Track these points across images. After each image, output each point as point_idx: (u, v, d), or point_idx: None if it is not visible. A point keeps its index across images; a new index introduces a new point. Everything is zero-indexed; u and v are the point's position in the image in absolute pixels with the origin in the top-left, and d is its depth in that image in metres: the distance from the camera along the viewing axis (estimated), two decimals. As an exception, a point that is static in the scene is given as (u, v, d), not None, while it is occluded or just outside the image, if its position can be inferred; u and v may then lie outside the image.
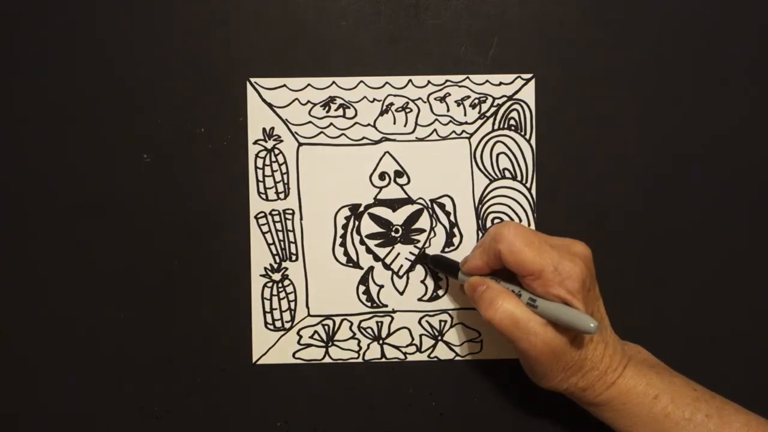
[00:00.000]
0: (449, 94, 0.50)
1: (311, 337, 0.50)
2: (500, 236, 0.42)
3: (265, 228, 0.50)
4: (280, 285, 0.50)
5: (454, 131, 0.50)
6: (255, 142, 0.49)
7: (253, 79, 0.49)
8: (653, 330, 0.47)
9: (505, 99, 0.50)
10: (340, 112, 0.49)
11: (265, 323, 0.50)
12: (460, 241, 0.50)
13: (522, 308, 0.41)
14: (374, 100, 0.49)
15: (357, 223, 0.50)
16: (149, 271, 0.49)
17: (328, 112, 0.49)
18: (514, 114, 0.50)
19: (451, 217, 0.50)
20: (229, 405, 0.50)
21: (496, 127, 0.50)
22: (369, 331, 0.50)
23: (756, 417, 0.42)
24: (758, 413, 0.42)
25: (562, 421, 0.50)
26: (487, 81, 0.49)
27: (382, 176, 0.50)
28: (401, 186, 0.50)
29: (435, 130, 0.50)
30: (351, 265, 0.50)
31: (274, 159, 0.49)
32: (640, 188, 0.50)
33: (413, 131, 0.50)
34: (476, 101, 0.50)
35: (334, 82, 0.49)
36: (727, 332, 0.50)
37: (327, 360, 0.50)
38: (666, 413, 0.41)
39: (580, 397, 0.43)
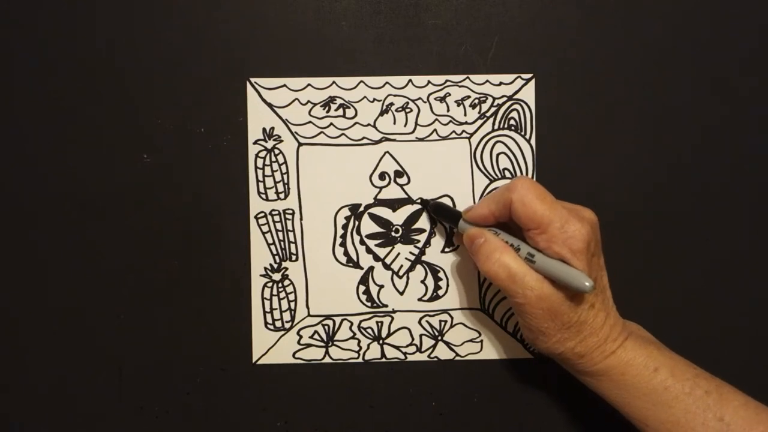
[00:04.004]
0: (449, 94, 0.50)
1: (311, 337, 0.50)
2: (514, 186, 0.42)
3: (265, 228, 0.50)
4: (280, 285, 0.50)
5: (454, 131, 0.50)
6: (255, 142, 0.49)
7: (253, 79, 0.49)
8: (652, 328, 0.47)
9: (505, 99, 0.50)
10: (340, 112, 0.49)
11: (265, 323, 0.50)
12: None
13: (519, 262, 0.42)
14: (374, 100, 0.49)
15: (357, 223, 0.50)
16: (149, 271, 0.49)
17: (328, 112, 0.49)
18: (514, 114, 0.50)
19: (451, 217, 0.50)
20: (229, 405, 0.50)
21: (496, 127, 0.50)
22: (369, 331, 0.50)
23: (754, 400, 0.41)
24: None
25: (562, 420, 0.50)
26: (487, 81, 0.49)
27: (382, 176, 0.50)
28: (401, 186, 0.50)
29: (435, 130, 0.50)
30: (351, 265, 0.50)
31: (274, 159, 0.49)
32: (640, 188, 0.50)
33: (413, 131, 0.50)
34: (476, 101, 0.50)
35: (334, 82, 0.49)
36: (727, 332, 0.50)
37: (327, 360, 0.50)
38: (665, 386, 0.41)
39: (575, 365, 0.43)
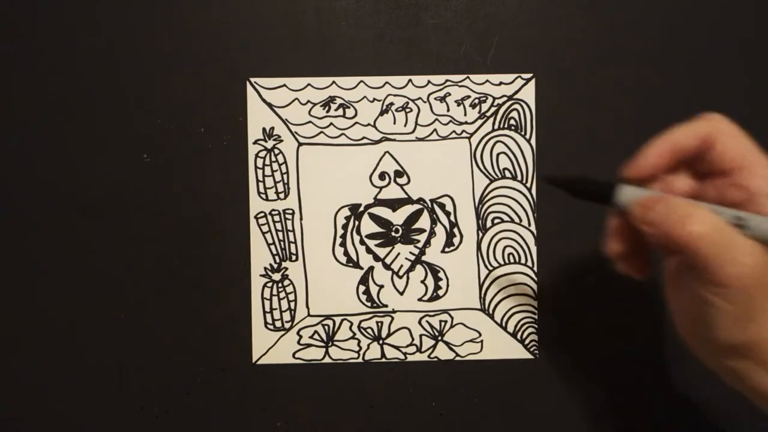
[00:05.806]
0: (449, 94, 0.50)
1: (311, 337, 0.50)
2: (710, 118, 0.34)
3: (265, 228, 0.50)
4: (280, 285, 0.50)
5: (454, 131, 0.50)
6: (255, 142, 0.49)
7: (253, 79, 0.49)
8: (654, 330, 0.47)
9: (505, 99, 0.50)
10: (340, 111, 0.49)
11: (265, 323, 0.50)
12: (461, 241, 0.50)
13: (726, 223, 0.32)
14: (374, 99, 0.49)
15: (357, 223, 0.50)
16: (149, 271, 0.49)
17: (328, 112, 0.49)
18: (514, 114, 0.50)
19: (451, 217, 0.50)
20: (229, 405, 0.50)
21: (496, 127, 0.50)
22: (369, 331, 0.50)
23: None
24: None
25: (563, 420, 0.50)
26: (487, 81, 0.49)
27: (382, 176, 0.50)
28: (401, 186, 0.50)
29: (435, 130, 0.50)
30: (351, 265, 0.50)
31: (274, 159, 0.49)
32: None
33: (413, 131, 0.50)
34: (476, 101, 0.50)
35: (334, 82, 0.49)
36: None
37: (327, 360, 0.50)
38: None
39: None
